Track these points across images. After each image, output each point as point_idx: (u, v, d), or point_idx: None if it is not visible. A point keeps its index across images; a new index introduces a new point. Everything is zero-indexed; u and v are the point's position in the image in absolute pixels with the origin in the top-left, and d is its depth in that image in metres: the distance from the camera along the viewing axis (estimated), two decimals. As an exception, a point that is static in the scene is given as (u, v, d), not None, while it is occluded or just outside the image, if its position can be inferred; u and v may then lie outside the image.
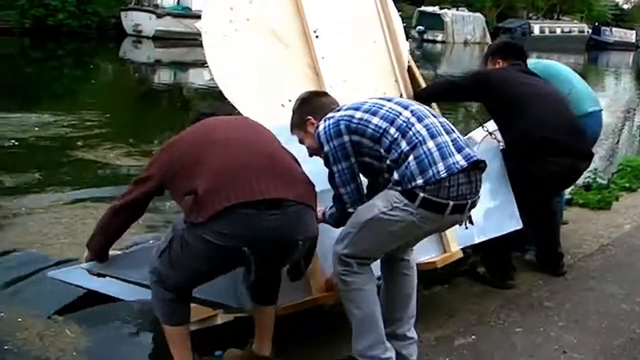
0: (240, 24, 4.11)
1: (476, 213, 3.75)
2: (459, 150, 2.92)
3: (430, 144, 2.88)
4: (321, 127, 3.08)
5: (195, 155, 2.78)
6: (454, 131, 3.03)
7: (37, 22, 27.08)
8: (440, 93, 4.54)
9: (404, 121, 2.95)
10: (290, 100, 3.98)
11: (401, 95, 4.38)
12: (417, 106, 3.09)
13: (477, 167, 2.95)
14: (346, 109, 3.11)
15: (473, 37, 47.20)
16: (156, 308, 2.98)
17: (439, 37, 40.56)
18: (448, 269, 4.35)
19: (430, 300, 4.08)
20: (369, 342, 3.02)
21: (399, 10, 5.01)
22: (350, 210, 3.07)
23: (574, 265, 4.82)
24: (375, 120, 2.99)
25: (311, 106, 3.32)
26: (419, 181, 2.83)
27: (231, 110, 3.36)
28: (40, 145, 8.75)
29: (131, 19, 30.31)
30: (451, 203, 2.86)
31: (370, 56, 4.40)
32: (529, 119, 4.04)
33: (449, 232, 3.82)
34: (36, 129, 9.44)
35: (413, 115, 2.98)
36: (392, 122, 2.96)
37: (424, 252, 3.79)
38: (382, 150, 2.96)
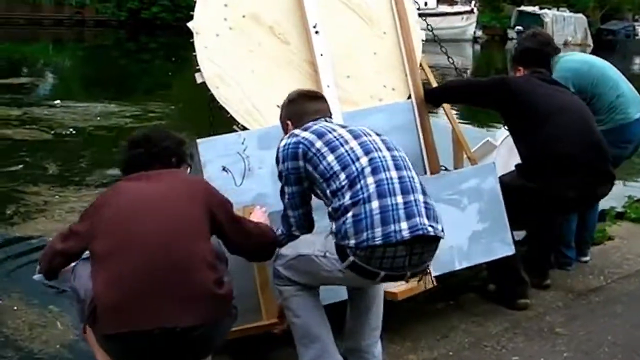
0: (235, 22, 3.97)
1: (461, 236, 3.60)
2: (409, 217, 2.62)
3: (375, 204, 2.61)
4: (282, 143, 2.89)
5: (110, 242, 2.48)
6: (416, 191, 2.71)
7: (132, 14, 27.93)
8: (456, 93, 4.26)
9: (356, 169, 2.69)
10: (289, 100, 3.81)
11: (409, 97, 4.09)
12: (383, 152, 2.77)
13: (426, 239, 2.67)
14: (311, 131, 2.86)
15: (574, 39, 45.24)
16: None
17: (538, 38, 39.33)
18: (455, 282, 4.08)
19: (428, 317, 3.79)
20: (314, 353, 2.83)
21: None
22: (296, 233, 2.91)
23: (605, 287, 4.36)
24: (330, 158, 2.75)
25: (293, 110, 3.12)
26: (351, 242, 2.60)
27: (164, 134, 3.03)
28: (96, 135, 8.98)
29: None
30: (382, 273, 2.65)
31: (378, 49, 4.15)
32: (544, 134, 3.74)
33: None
34: (98, 118, 9.67)
35: (370, 165, 2.70)
36: (344, 168, 2.71)
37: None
38: (328, 192, 2.74)
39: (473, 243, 3.63)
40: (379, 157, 2.74)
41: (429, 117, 4.15)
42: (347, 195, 2.64)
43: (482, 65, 26.95)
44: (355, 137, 2.81)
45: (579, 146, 3.73)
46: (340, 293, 3.13)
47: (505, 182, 3.77)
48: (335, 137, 2.79)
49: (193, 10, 3.94)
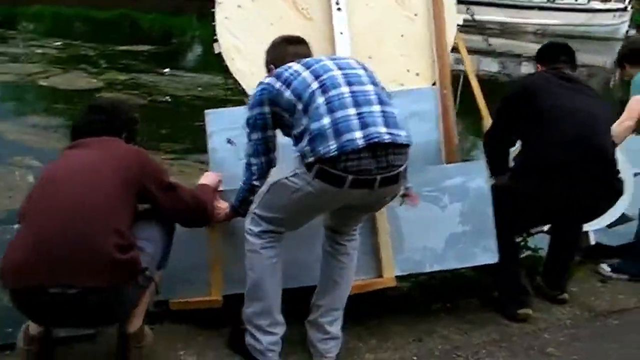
0: (258, -6, 3.90)
1: (437, 237, 3.39)
2: (364, 126, 2.68)
3: (327, 119, 2.68)
4: (254, 90, 2.96)
5: (29, 205, 2.61)
6: (372, 103, 2.76)
7: None
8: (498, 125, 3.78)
9: (310, 94, 2.76)
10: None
11: (434, 84, 3.89)
12: (334, 72, 2.81)
13: (385, 145, 2.68)
14: (275, 75, 2.91)
15: None
16: None
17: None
18: (461, 283, 3.85)
19: (414, 317, 3.54)
20: (256, 309, 2.94)
21: None
22: (256, 183, 2.97)
23: (634, 311, 3.94)
24: (287, 93, 2.82)
25: (274, 53, 3.16)
26: (311, 158, 2.68)
27: (128, 106, 3.09)
28: (191, 104, 9.07)
29: None
30: (350, 177, 2.66)
31: (406, 32, 3.97)
32: (543, 138, 3.45)
33: (387, 256, 3.30)
34: (199, 88, 9.80)
35: (321, 87, 2.76)
36: (299, 96, 2.78)
37: (356, 273, 3.22)
38: (292, 123, 2.83)
39: (449, 246, 3.37)
40: (329, 77, 2.79)
41: (453, 106, 3.92)
42: (304, 120, 2.73)
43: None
44: (308, 66, 2.87)
45: (579, 154, 3.40)
46: (307, 278, 3.14)
47: (498, 185, 3.52)
48: (290, 73, 2.86)
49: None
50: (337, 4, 3.84)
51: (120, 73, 10.52)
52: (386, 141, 2.68)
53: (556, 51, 3.87)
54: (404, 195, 3.18)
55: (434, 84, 3.89)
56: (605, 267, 4.32)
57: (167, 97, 9.10)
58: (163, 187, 2.78)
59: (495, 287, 3.77)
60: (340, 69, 2.85)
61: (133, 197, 2.67)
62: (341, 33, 3.83)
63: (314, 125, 2.69)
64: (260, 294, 2.93)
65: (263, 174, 2.94)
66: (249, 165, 2.99)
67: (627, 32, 27.88)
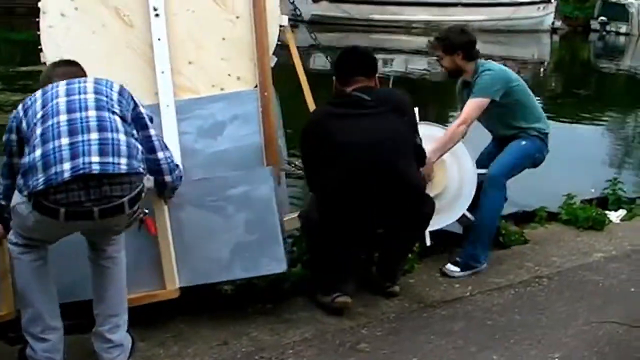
0: (81, 2, 3.95)
1: (223, 247, 3.45)
2: (73, 157, 2.71)
3: (38, 152, 2.74)
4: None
5: None
6: (88, 131, 2.77)
7: None
8: None
9: (33, 124, 2.83)
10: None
11: (256, 86, 3.91)
12: (58, 99, 2.85)
13: (98, 176, 2.73)
14: (23, 102, 2.96)
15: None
16: None
17: (623, 29, 35.63)
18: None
19: (228, 320, 3.63)
20: (28, 316, 2.98)
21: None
22: (2, 202, 3.08)
23: (463, 299, 3.98)
24: (24, 123, 2.88)
25: (42, 77, 3.23)
26: (25, 191, 2.78)
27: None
28: None
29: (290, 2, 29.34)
30: (62, 209, 2.72)
31: (227, 35, 3.96)
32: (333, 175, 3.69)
33: (168, 267, 3.36)
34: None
35: (42, 117, 2.82)
36: (28, 127, 2.85)
37: (138, 284, 3.34)
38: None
39: (236, 256, 3.44)
40: (51, 106, 2.83)
41: (274, 108, 3.95)
42: (26, 150, 2.82)
43: (563, 56, 25.45)
44: (44, 92, 2.92)
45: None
46: (81, 292, 3.18)
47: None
48: (32, 101, 2.91)
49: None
50: (155, 9, 3.85)
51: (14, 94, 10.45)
52: (94, 172, 2.70)
53: (351, 66, 3.82)
54: (141, 221, 3.14)
55: (256, 86, 3.90)
56: (451, 268, 4.34)
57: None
58: None
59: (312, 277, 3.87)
60: (67, 95, 2.88)
61: None
62: (159, 39, 3.85)
63: (27, 159, 2.76)
64: (28, 300, 2.96)
65: (8, 195, 3.00)
66: None
67: (552, 23, 28.09)
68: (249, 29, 3.93)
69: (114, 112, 2.87)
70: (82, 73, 3.21)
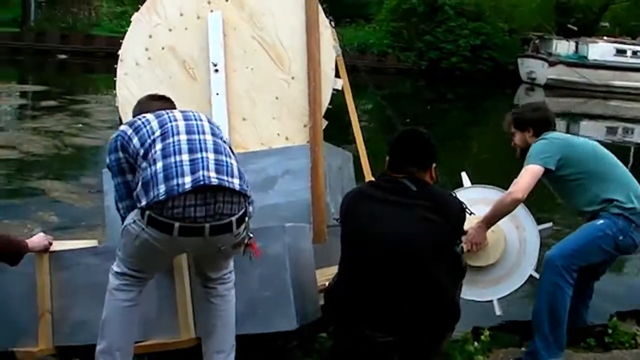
0: (154, 53, 4.23)
1: (239, 300, 3.34)
2: (194, 171, 2.81)
3: (159, 164, 2.83)
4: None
5: None
6: (206, 150, 2.89)
7: (432, 64, 28.06)
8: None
9: (150, 142, 2.92)
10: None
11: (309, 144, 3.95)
12: (178, 122, 2.97)
13: (215, 188, 2.81)
14: (128, 123, 3.09)
15: None
16: None
17: None
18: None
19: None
20: (102, 346, 3.06)
21: None
22: None
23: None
24: (135, 140, 2.97)
25: (139, 109, 3.33)
26: (144, 202, 2.82)
27: None
28: None
29: (527, 66, 28.49)
30: (177, 224, 2.79)
31: (281, 95, 4.07)
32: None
33: (184, 317, 3.41)
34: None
35: (161, 135, 2.92)
36: (142, 144, 2.94)
37: (158, 331, 3.38)
38: (136, 169, 2.98)
39: (248, 311, 3.38)
40: (170, 126, 2.95)
41: (323, 166, 3.97)
42: (144, 164, 2.89)
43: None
44: (158, 116, 3.03)
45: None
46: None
47: None
48: (142, 122, 3.01)
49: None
50: (215, 65, 4.01)
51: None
52: (213, 184, 2.79)
53: (406, 153, 3.23)
54: (246, 245, 3.11)
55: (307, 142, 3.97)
56: None
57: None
58: None
59: None
60: (185, 119, 3.02)
61: None
62: (217, 94, 4.02)
63: (148, 170, 2.84)
64: (106, 332, 3.04)
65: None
66: (118, 210, 3.13)
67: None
68: (303, 91, 4.00)
69: (224, 141, 3.03)
70: (175, 108, 3.32)
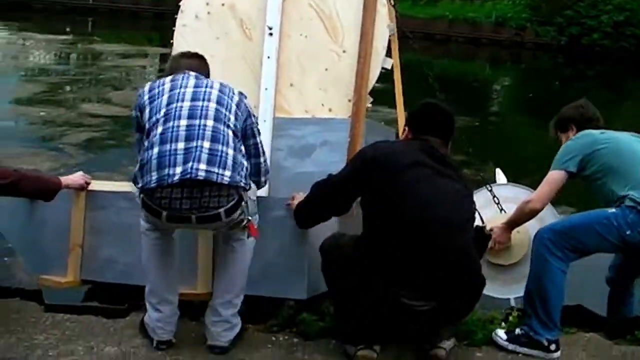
0: (214, 8, 4.28)
1: (255, 263, 3.42)
2: (185, 162, 2.87)
3: (155, 150, 2.91)
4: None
5: None
6: (202, 138, 2.92)
7: (572, 40, 26.82)
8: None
9: (154, 122, 3.00)
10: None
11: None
12: (183, 103, 3.01)
13: (203, 183, 2.87)
14: (150, 85, 3.17)
15: None
16: None
17: None
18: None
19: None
20: (148, 288, 3.22)
21: None
22: None
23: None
24: (146, 111, 3.07)
25: (170, 65, 3.44)
26: (139, 185, 2.96)
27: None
28: None
29: None
30: (164, 213, 2.92)
31: (331, 66, 4.06)
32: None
33: (203, 270, 3.50)
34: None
35: (164, 115, 2.99)
36: (150, 119, 3.03)
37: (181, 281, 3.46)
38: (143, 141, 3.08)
39: (264, 275, 3.48)
40: (175, 107, 3.00)
41: (361, 142, 3.97)
42: (145, 144, 2.99)
43: None
44: (172, 89, 3.08)
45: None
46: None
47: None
48: (158, 91, 3.10)
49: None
50: (270, 28, 4.03)
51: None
52: (200, 178, 2.84)
53: (431, 121, 3.29)
54: (244, 227, 3.16)
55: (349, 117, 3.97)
56: (499, 333, 3.63)
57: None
58: None
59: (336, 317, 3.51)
60: (192, 100, 3.03)
61: None
62: (268, 57, 4.04)
63: (146, 154, 2.94)
64: (148, 273, 3.20)
65: None
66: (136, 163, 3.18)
67: None
68: (351, 66, 3.98)
69: (228, 126, 3.02)
70: (205, 68, 3.39)
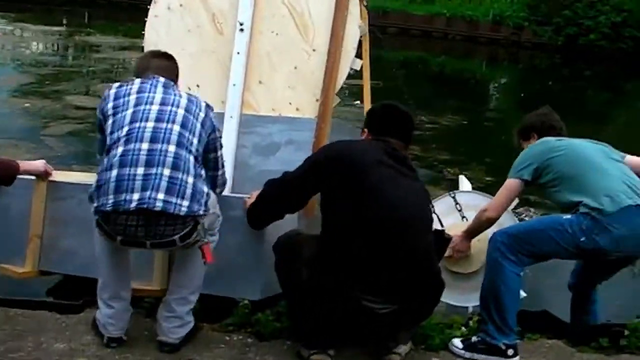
0: (186, 0, 4.19)
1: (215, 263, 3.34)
2: (144, 189, 2.82)
3: (114, 172, 2.86)
4: None
5: None
6: (162, 165, 2.87)
7: (569, 40, 26.73)
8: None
9: (115, 139, 2.95)
10: (198, 86, 4.06)
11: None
12: (147, 123, 2.93)
13: (159, 213, 2.84)
14: (116, 90, 3.09)
15: None
16: None
17: None
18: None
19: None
20: (100, 283, 3.18)
21: None
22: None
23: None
24: (109, 122, 3.02)
25: (138, 64, 3.37)
26: (94, 205, 2.92)
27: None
28: None
29: None
30: (119, 238, 2.92)
31: (300, 65, 4.04)
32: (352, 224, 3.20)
33: (159, 268, 3.48)
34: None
35: (126, 136, 2.92)
36: (111, 133, 2.98)
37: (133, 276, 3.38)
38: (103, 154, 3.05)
39: (219, 274, 3.41)
40: (138, 128, 2.93)
41: (326, 142, 3.96)
42: (104, 160, 2.94)
43: None
44: (137, 104, 3.00)
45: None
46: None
47: None
48: (123, 101, 3.03)
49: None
50: (241, 24, 4.01)
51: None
52: (156, 209, 2.81)
53: (391, 123, 3.31)
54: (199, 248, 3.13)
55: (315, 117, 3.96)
56: (455, 343, 3.62)
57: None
58: None
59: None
60: (156, 120, 2.95)
61: None
62: (238, 53, 4.02)
63: (103, 175, 2.89)
64: (101, 267, 3.15)
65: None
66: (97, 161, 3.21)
67: None
68: (321, 65, 3.96)
69: (190, 152, 2.97)
70: (175, 70, 3.30)
